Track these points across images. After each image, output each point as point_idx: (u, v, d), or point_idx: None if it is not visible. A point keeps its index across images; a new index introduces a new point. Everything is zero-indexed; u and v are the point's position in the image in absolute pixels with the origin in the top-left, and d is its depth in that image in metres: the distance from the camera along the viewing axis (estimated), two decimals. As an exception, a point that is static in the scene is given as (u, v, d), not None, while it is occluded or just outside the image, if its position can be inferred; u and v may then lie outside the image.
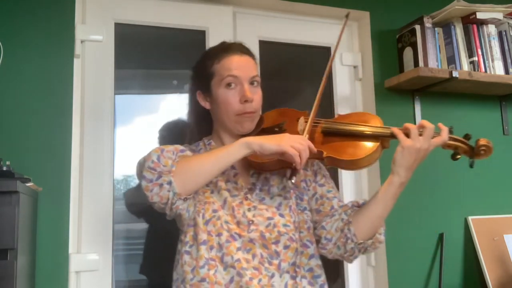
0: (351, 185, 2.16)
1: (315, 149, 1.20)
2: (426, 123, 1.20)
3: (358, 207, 1.30)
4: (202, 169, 1.17)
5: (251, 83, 1.30)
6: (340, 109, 2.21)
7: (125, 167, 1.89)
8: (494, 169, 2.30)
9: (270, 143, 1.15)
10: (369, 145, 1.23)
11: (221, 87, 1.29)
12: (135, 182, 1.93)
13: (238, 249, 1.20)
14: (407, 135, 1.20)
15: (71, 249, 1.70)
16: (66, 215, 1.69)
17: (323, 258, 1.35)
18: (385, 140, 1.24)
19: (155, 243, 1.94)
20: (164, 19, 1.97)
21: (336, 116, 1.36)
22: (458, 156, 1.25)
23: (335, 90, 2.23)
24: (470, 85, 2.16)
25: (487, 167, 2.28)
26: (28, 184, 1.41)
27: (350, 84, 2.26)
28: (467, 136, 1.26)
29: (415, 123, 2.15)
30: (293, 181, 1.18)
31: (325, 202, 1.33)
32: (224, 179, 1.28)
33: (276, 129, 1.33)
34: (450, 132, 1.23)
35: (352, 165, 1.24)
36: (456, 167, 2.23)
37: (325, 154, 1.24)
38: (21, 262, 1.30)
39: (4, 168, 1.35)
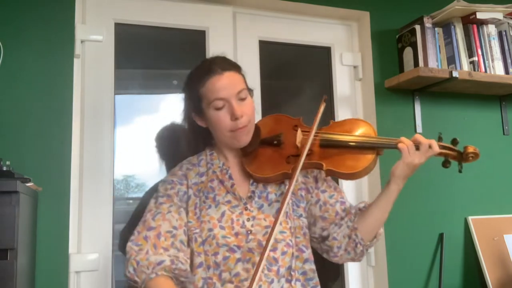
0: (352, 188, 2.16)
1: None
2: (421, 138, 1.28)
3: (360, 210, 1.37)
4: None
5: (240, 99, 1.30)
6: (340, 109, 2.21)
7: (125, 167, 1.89)
8: (494, 169, 2.30)
9: None
10: (367, 156, 1.29)
11: (211, 110, 1.30)
12: (135, 182, 1.93)
13: (238, 260, 1.25)
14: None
15: (71, 249, 1.70)
16: (66, 215, 1.69)
17: (321, 259, 1.38)
18: (380, 149, 1.31)
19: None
20: (164, 19, 1.97)
21: (330, 123, 1.39)
22: (449, 165, 1.32)
23: (335, 90, 2.23)
24: (470, 85, 2.16)
25: (487, 167, 2.28)
26: (28, 184, 1.41)
27: (350, 84, 2.26)
28: (454, 141, 1.33)
29: (415, 123, 2.19)
30: None
31: (329, 209, 1.38)
32: (223, 191, 1.32)
33: (275, 142, 1.36)
34: (440, 139, 1.32)
35: (352, 176, 1.32)
36: (456, 167, 2.24)
37: (324, 167, 1.29)
38: (21, 262, 1.30)
39: (4, 168, 1.35)
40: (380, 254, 2.09)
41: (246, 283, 1.22)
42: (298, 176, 1.33)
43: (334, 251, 1.36)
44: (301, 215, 1.35)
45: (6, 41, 1.67)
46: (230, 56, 2.01)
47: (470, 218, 2.21)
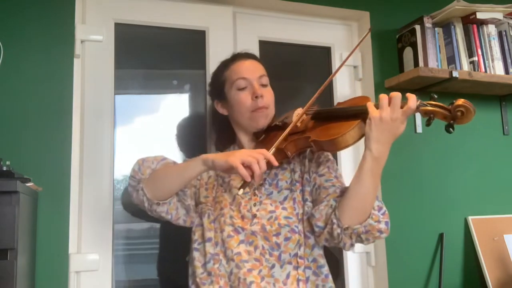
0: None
1: (275, 162, 1.20)
2: (393, 93, 1.18)
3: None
4: (167, 181, 1.29)
5: (261, 84, 1.41)
6: (340, 109, 2.21)
7: (125, 167, 1.88)
8: (494, 169, 2.30)
9: (221, 159, 1.20)
10: (348, 123, 1.21)
11: (233, 90, 1.40)
12: (135, 182, 1.93)
13: (241, 242, 1.29)
14: (377, 106, 1.18)
15: (71, 249, 1.70)
16: (66, 215, 1.69)
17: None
18: (367, 117, 1.19)
19: (167, 243, 1.94)
20: (164, 19, 1.97)
21: (335, 104, 1.40)
22: (431, 121, 1.14)
23: (335, 90, 2.23)
24: (470, 85, 2.16)
25: (487, 167, 2.29)
26: (28, 184, 1.42)
27: (350, 84, 2.26)
28: (451, 103, 1.14)
29: (415, 123, 2.19)
30: (240, 192, 1.20)
31: (322, 192, 1.32)
32: (239, 177, 1.33)
33: (279, 123, 1.38)
34: (433, 99, 1.15)
35: (333, 144, 1.22)
36: (456, 167, 2.24)
37: (310, 138, 1.27)
38: (21, 262, 1.30)
39: (4, 168, 1.35)
40: (380, 254, 2.09)
41: (248, 264, 1.26)
42: (307, 163, 1.37)
43: (315, 230, 1.29)
44: (306, 200, 1.35)
45: (6, 41, 1.67)
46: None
47: (470, 218, 2.21)
